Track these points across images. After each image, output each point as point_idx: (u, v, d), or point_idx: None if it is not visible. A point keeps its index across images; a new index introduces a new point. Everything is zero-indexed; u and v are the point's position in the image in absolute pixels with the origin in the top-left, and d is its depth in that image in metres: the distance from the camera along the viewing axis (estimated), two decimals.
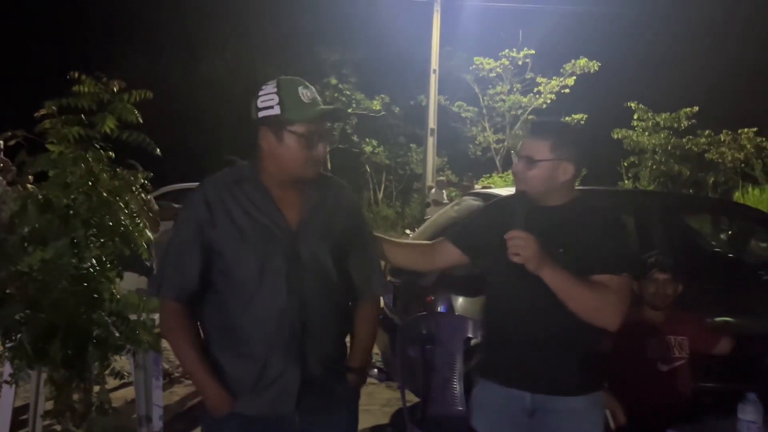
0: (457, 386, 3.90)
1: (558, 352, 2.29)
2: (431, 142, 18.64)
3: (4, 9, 22.35)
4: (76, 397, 3.42)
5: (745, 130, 20.08)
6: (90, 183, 3.35)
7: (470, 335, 3.93)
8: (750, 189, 18.41)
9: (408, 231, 12.18)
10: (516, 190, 2.32)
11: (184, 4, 23.05)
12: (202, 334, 2.18)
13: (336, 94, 22.87)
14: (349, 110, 23.13)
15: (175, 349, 2.18)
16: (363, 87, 23.34)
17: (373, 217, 21.47)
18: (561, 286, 2.15)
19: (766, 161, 19.85)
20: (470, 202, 5.20)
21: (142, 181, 3.70)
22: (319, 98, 2.12)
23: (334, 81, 22.79)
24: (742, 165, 20.09)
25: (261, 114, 2.08)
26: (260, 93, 2.10)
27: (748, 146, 19.95)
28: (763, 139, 19.96)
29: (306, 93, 2.08)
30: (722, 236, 7.18)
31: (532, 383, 2.32)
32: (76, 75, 3.42)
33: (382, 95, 23.39)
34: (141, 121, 3.54)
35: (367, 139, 23.72)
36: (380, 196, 24.46)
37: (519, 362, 2.34)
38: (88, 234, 3.25)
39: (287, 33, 22.76)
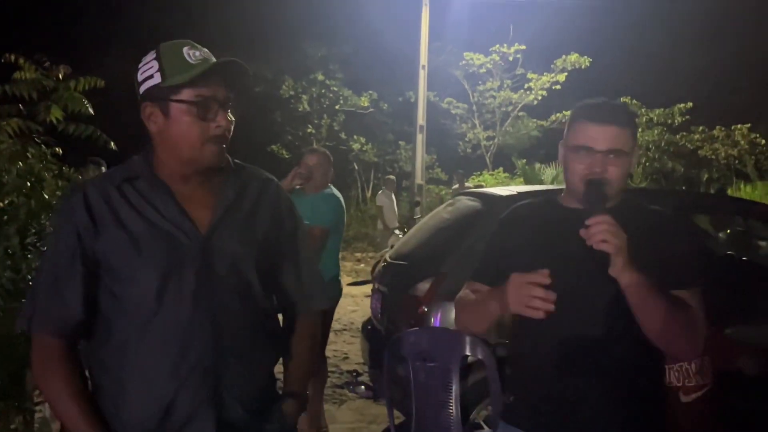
0: (453, 410, 3.48)
1: (617, 392, 1.86)
2: (420, 139, 18.20)
3: None
4: (14, 426, 2.99)
5: (739, 126, 19.88)
6: (30, 183, 2.92)
7: (468, 353, 3.52)
8: (742, 186, 18.26)
9: (397, 231, 11.73)
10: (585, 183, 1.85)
11: None
12: (88, 377, 1.71)
13: (323, 90, 22.45)
14: (337, 107, 22.71)
15: (50, 400, 1.71)
16: (350, 83, 22.93)
17: (361, 216, 21.04)
18: (645, 296, 1.72)
19: (759, 157, 19.67)
20: (465, 202, 4.78)
21: None
22: (213, 59, 1.68)
23: (320, 77, 22.35)
24: (736, 161, 19.86)
25: (142, 88, 1.68)
26: (139, 65, 1.69)
27: (742, 142, 19.74)
28: (757, 135, 19.75)
29: (193, 53, 1.66)
30: (721, 235, 6.82)
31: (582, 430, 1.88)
32: (13, 59, 2.98)
33: (370, 92, 23.00)
34: (92, 111, 3.12)
35: (354, 137, 23.30)
36: (368, 194, 24.05)
37: (566, 406, 1.87)
38: (26, 243, 2.82)
39: (272, 28, 22.32)
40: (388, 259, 4.89)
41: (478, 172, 20.67)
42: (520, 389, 2.01)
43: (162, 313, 1.62)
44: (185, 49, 1.66)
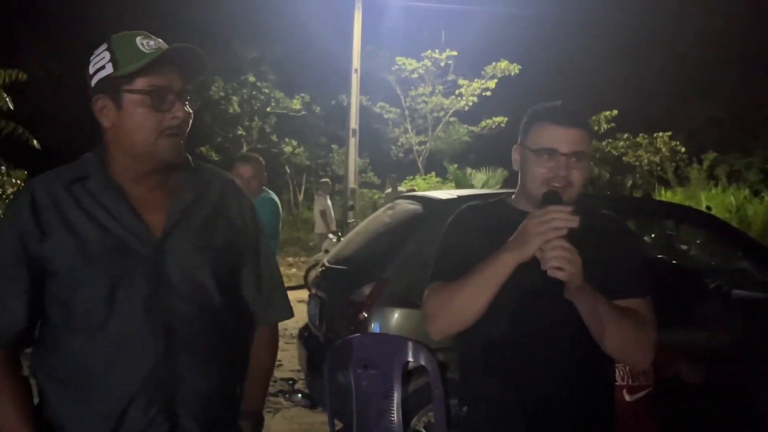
0: (395, 416, 3.42)
1: (574, 397, 1.82)
2: (353, 143, 18.13)
3: None
4: None
5: (661, 133, 20.61)
6: None
7: (410, 359, 3.46)
8: (662, 192, 18.98)
9: (331, 235, 11.59)
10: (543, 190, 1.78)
11: None
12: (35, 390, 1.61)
13: (254, 92, 22.14)
14: (268, 109, 22.41)
15: None
16: (282, 85, 22.72)
17: (293, 220, 20.81)
18: (600, 315, 1.68)
19: (679, 164, 20.46)
20: (405, 205, 4.73)
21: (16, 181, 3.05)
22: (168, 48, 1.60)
23: (252, 78, 22.05)
24: (658, 168, 20.60)
25: (93, 80, 1.59)
26: (90, 57, 1.60)
27: (663, 149, 20.48)
28: (677, 142, 20.55)
29: (147, 42, 1.57)
30: (646, 239, 7.00)
31: None
32: None
33: (303, 94, 22.83)
34: (12, 107, 2.91)
35: (286, 139, 23.07)
36: (300, 198, 23.86)
37: (523, 414, 1.82)
38: None
39: (203, 28, 21.87)
40: (327, 264, 4.78)
41: (411, 177, 20.76)
42: (474, 398, 1.95)
43: (112, 321, 1.52)
44: (138, 39, 1.57)
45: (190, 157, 1.69)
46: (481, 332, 1.83)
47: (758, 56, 23.81)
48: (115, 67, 1.54)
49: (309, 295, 4.91)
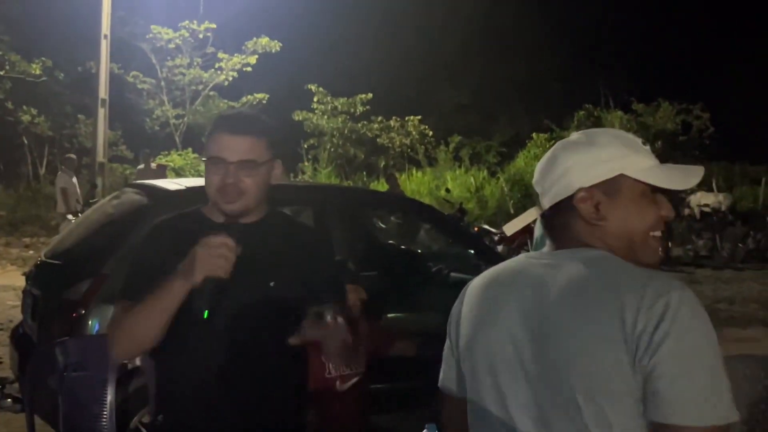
0: (107, 422, 3.28)
1: (265, 403, 1.87)
2: (102, 113, 16.89)
3: None
4: None
5: (411, 117, 21.90)
6: None
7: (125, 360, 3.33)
8: (414, 171, 20.29)
9: (70, 216, 10.72)
10: (224, 209, 1.82)
11: None
12: None
13: None
14: (1, 73, 20.04)
15: None
16: (20, 48, 20.36)
17: (32, 196, 18.96)
18: None
19: (428, 146, 21.96)
20: (131, 195, 4.49)
21: None
22: None
23: None
24: (409, 150, 21.89)
25: None
26: None
27: (414, 132, 21.79)
28: (426, 126, 22.00)
29: None
30: (384, 226, 7.41)
31: None
32: None
33: (44, 58, 20.65)
34: None
35: (24, 107, 20.78)
36: (42, 171, 21.79)
37: (214, 420, 1.85)
38: None
39: None
40: (43, 258, 4.42)
41: (167, 152, 19.90)
42: (168, 408, 1.94)
43: None
44: None
45: None
46: (174, 340, 1.82)
47: (498, 49, 26.24)
48: None
49: (23, 291, 4.51)
